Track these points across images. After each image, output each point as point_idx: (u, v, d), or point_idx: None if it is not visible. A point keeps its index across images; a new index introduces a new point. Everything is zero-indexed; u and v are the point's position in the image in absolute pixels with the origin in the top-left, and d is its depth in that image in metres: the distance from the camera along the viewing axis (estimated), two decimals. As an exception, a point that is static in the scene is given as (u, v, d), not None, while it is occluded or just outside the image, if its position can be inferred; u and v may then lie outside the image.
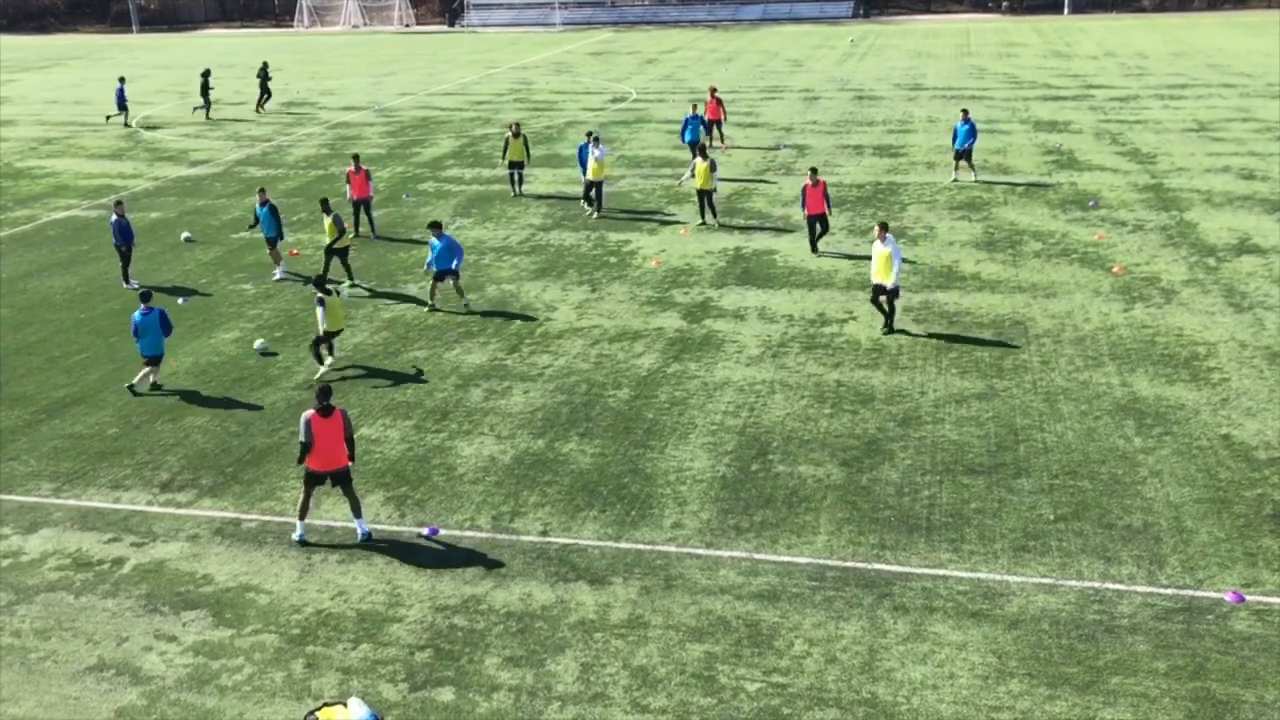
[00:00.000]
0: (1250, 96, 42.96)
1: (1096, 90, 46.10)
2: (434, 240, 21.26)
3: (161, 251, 26.72)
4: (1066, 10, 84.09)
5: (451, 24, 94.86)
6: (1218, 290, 21.19)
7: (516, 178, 30.61)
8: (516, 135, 29.82)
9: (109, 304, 23.05)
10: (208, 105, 46.65)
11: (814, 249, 24.45)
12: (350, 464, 13.54)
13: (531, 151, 32.85)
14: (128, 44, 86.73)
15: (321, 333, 18.68)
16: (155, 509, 14.63)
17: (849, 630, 11.58)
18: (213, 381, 18.76)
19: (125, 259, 23.82)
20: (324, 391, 13.35)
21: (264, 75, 47.86)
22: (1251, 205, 27.09)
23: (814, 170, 24.10)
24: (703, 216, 27.08)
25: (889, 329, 19.54)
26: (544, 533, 13.67)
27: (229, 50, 78.51)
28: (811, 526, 13.53)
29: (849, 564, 12.74)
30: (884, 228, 19.21)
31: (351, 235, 26.43)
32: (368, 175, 26.76)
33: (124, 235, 23.49)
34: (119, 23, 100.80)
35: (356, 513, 13.63)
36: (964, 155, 29.88)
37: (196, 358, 19.84)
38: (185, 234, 27.86)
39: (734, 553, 13.07)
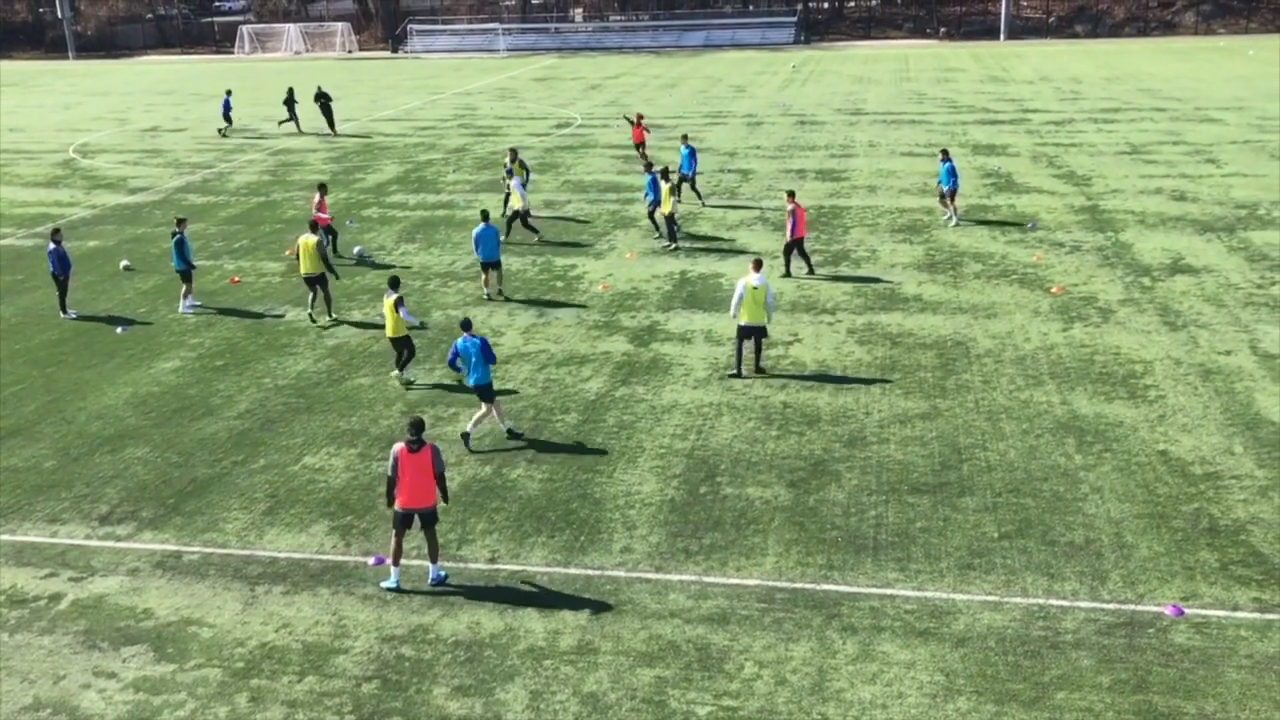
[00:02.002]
0: (1180, 120, 44.06)
1: (1032, 114, 47.02)
2: (481, 228, 22.79)
3: (100, 280, 26.29)
4: (1003, 36, 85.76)
5: (394, 50, 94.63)
6: (1153, 309, 21.64)
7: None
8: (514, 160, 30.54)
9: (45, 334, 22.61)
10: (295, 119, 47.69)
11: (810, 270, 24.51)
12: (439, 504, 12.91)
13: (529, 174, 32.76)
14: (64, 70, 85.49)
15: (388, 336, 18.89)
16: (94, 543, 14.34)
17: (798, 651, 11.62)
18: (153, 412, 18.46)
19: (62, 288, 23.43)
20: (416, 424, 12.55)
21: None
22: (1183, 226, 27.74)
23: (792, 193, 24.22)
24: (673, 239, 27.18)
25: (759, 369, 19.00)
26: (492, 560, 13.59)
27: (168, 77, 77.65)
28: (760, 548, 13.57)
29: (797, 585, 12.79)
30: (758, 264, 18.80)
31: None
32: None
33: (62, 264, 23.13)
34: (55, 49, 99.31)
35: (433, 558, 13.04)
36: (950, 194, 28.92)
37: (136, 388, 19.52)
38: (124, 262, 27.45)
39: (683, 576, 13.07)
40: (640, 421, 17.35)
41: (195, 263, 23.90)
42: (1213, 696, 10.73)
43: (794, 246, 24.09)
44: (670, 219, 26.90)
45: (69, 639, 12.30)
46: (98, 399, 19.08)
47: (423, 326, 21.13)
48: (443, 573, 13.19)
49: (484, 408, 16.56)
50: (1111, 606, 12.18)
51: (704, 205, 31.44)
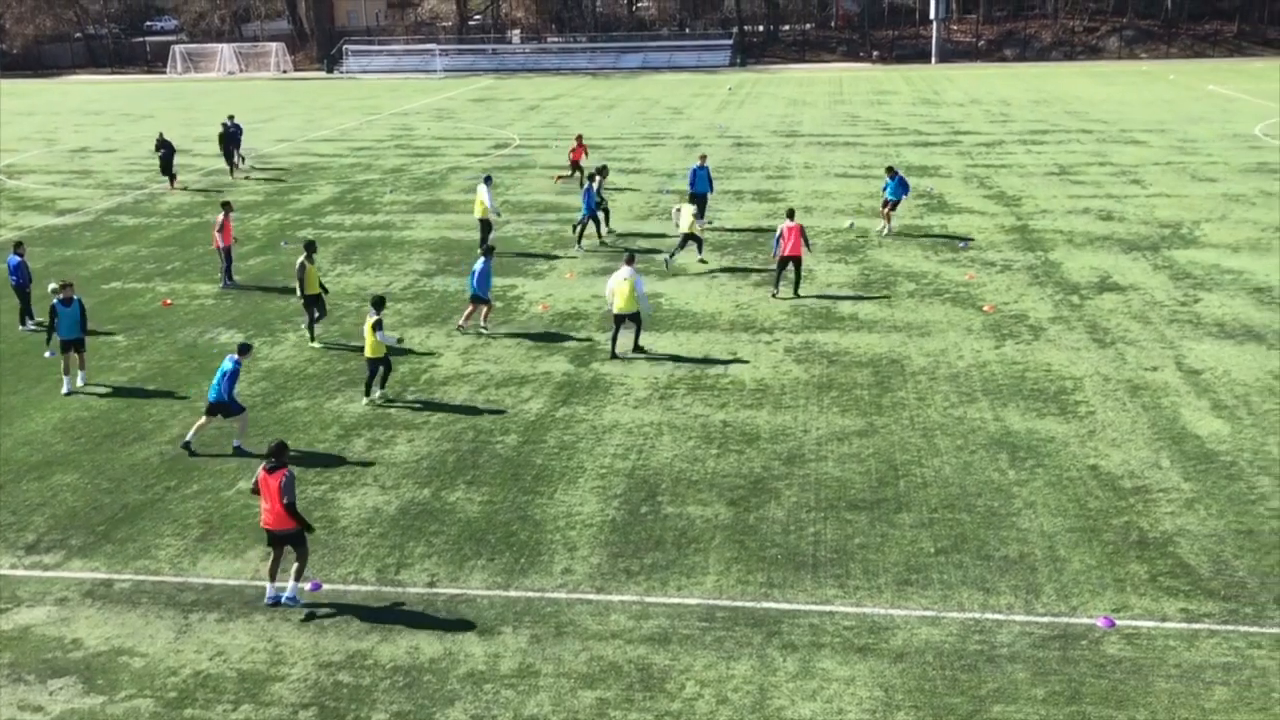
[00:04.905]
0: (1106, 142, 45.14)
1: (964, 136, 47.90)
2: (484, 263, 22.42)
3: (26, 303, 25.67)
4: (934, 59, 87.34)
5: (330, 70, 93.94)
6: (1082, 327, 22.10)
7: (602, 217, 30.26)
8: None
9: (-31, 359, 22.04)
10: (231, 159, 41.66)
11: (777, 290, 24.58)
12: (293, 529, 12.83)
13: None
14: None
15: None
16: (20, 572, 13.97)
17: (739, 670, 11.65)
18: (82, 437, 18.06)
19: (25, 300, 23.51)
20: (276, 448, 12.79)
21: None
22: (1110, 245, 28.39)
23: (791, 211, 24.38)
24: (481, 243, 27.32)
25: (638, 349, 21.10)
26: (431, 584, 13.47)
27: (98, 97, 76.36)
28: (701, 567, 13.61)
29: (738, 603, 12.84)
30: (630, 259, 21.19)
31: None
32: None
33: (25, 275, 23.27)
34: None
35: (295, 576, 13.05)
36: (893, 206, 29.75)
37: (65, 412, 19.09)
38: (52, 285, 26.76)
39: (624, 596, 13.06)
40: (581, 442, 17.33)
41: (86, 330, 20.47)
42: (1143, 706, 10.94)
43: (787, 263, 24.30)
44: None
45: (-6, 672, 11.96)
46: (24, 425, 18.64)
47: (400, 343, 21.29)
48: (295, 595, 13.02)
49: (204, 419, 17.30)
50: (1045, 619, 12.38)
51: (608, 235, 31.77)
